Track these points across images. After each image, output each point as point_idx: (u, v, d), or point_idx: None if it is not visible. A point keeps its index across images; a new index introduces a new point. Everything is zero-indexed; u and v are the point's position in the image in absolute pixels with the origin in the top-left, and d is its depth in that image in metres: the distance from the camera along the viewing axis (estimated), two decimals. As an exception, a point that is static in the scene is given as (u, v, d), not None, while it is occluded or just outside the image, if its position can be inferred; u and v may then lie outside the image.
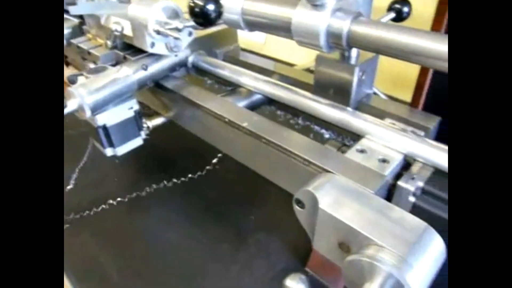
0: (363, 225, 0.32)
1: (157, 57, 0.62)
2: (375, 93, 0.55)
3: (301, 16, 0.45)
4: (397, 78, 1.00)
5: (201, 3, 0.46)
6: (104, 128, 0.56)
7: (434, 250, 0.31)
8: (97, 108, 0.53)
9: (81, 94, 0.51)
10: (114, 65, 0.61)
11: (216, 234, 0.69)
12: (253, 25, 0.53)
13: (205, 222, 0.72)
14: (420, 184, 0.39)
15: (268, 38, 1.27)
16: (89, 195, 0.80)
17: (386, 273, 0.29)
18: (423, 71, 0.96)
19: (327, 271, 0.59)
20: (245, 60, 0.72)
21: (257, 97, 0.61)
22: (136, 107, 0.60)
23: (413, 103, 1.01)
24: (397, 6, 0.52)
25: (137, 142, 0.62)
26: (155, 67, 0.63)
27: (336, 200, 0.35)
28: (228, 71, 0.65)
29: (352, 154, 0.43)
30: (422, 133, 0.46)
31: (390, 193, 0.41)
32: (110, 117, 0.56)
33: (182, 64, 0.68)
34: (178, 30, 0.54)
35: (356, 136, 0.48)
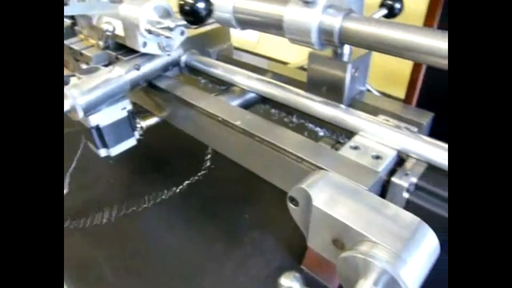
0: (357, 222, 0.32)
1: (150, 57, 0.62)
2: (368, 90, 0.55)
3: (292, 14, 0.45)
4: (390, 75, 1.01)
5: (190, 1, 0.46)
6: (98, 128, 0.56)
7: (428, 246, 0.31)
8: (90, 109, 0.53)
9: (74, 95, 0.51)
10: (106, 66, 0.61)
11: (212, 233, 0.69)
12: (245, 23, 0.52)
13: (201, 223, 0.72)
14: (414, 180, 0.39)
15: (261, 36, 1.27)
16: (84, 196, 0.80)
17: (380, 269, 0.29)
18: (416, 68, 0.96)
19: (322, 268, 0.59)
20: (238, 58, 0.72)
21: (250, 95, 0.61)
22: (129, 107, 0.59)
23: (407, 100, 1.01)
24: (389, 2, 0.52)
25: (131, 142, 0.62)
26: (147, 67, 0.62)
27: (330, 197, 0.35)
28: (221, 70, 0.64)
29: (345, 151, 0.43)
30: (416, 129, 0.46)
31: (384, 189, 0.41)
32: (103, 118, 0.56)
33: (175, 63, 0.68)
34: (170, 29, 0.54)
35: (350, 133, 0.48)
